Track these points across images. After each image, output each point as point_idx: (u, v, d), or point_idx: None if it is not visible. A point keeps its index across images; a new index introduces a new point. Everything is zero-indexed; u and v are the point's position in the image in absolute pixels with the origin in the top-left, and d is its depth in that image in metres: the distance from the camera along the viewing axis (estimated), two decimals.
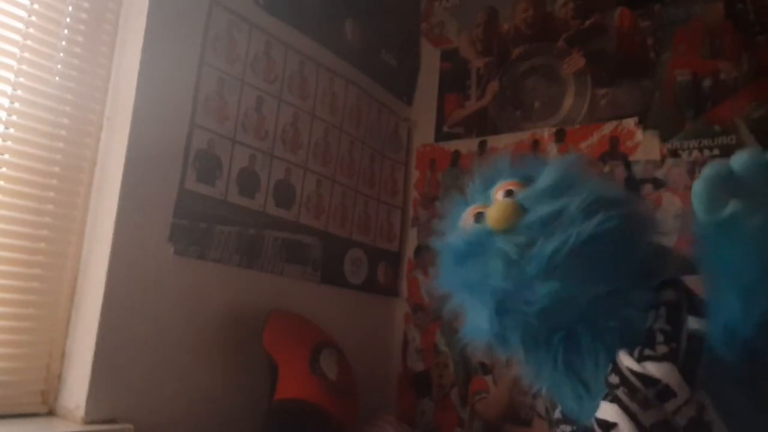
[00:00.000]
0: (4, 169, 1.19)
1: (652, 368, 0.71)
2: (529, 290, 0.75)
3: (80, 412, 1.17)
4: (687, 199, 1.54)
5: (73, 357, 1.22)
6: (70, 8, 1.29)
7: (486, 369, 1.81)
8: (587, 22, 1.84)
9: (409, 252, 2.07)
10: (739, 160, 0.64)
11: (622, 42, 1.76)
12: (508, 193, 0.84)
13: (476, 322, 0.82)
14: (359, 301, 1.88)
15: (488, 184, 0.90)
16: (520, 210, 0.79)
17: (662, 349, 0.72)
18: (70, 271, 1.26)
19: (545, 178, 0.84)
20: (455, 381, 1.86)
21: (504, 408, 1.74)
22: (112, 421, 1.19)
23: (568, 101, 1.82)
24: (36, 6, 1.23)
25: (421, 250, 2.04)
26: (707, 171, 0.65)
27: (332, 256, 1.78)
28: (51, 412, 1.21)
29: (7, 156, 1.19)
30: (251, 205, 1.53)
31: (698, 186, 0.66)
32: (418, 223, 2.07)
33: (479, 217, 0.84)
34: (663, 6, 1.71)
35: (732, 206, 0.65)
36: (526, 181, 0.86)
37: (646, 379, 0.71)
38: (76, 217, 1.27)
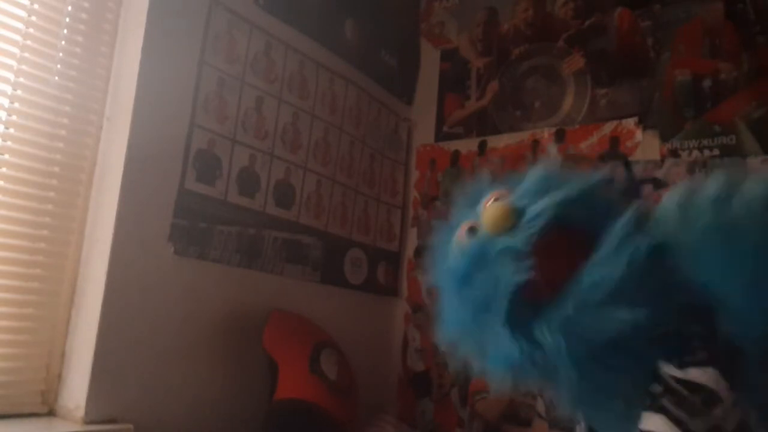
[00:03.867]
0: (4, 169, 1.19)
1: (696, 373, 0.69)
2: (591, 317, 0.71)
3: (80, 412, 1.17)
4: None
5: (73, 357, 1.22)
6: (70, 8, 1.29)
7: None
8: (587, 22, 1.84)
9: (409, 252, 2.07)
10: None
11: (622, 42, 1.76)
12: (497, 199, 0.83)
13: (499, 349, 0.78)
14: (359, 301, 1.88)
15: (473, 203, 0.87)
16: (515, 209, 0.78)
17: (701, 354, 0.70)
18: (70, 271, 1.25)
19: (531, 177, 0.83)
20: (455, 381, 1.86)
21: (504, 408, 1.74)
22: (112, 421, 1.19)
23: (568, 101, 1.82)
24: (36, 6, 1.23)
25: (421, 250, 2.04)
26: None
27: (332, 256, 1.78)
28: (51, 412, 1.21)
29: (7, 156, 1.19)
30: (251, 205, 1.53)
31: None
32: (418, 223, 2.07)
33: (473, 230, 0.82)
34: (663, 6, 1.71)
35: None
36: (512, 188, 0.84)
37: (691, 386, 0.69)
38: (76, 217, 1.27)
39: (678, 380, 0.70)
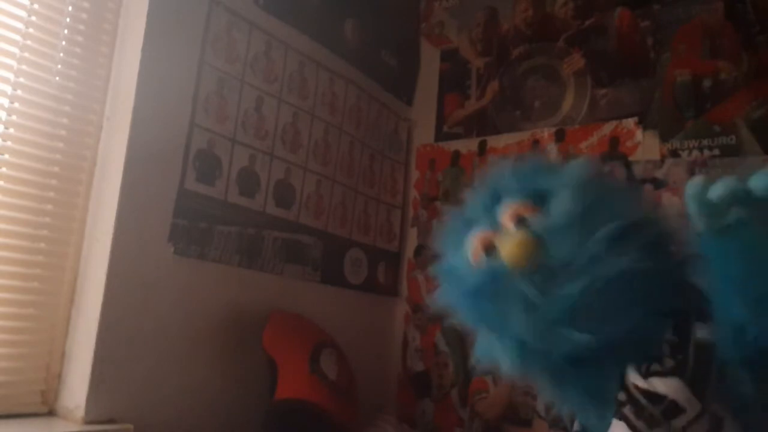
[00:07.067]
0: (4, 169, 1.19)
1: (658, 384, 0.69)
2: (552, 334, 0.70)
3: (80, 412, 1.17)
4: None
5: (73, 357, 1.22)
6: (70, 8, 1.29)
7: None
8: (587, 22, 1.84)
9: (409, 252, 2.07)
10: (760, 182, 0.63)
11: (622, 42, 1.76)
12: (520, 221, 0.76)
13: (490, 349, 0.78)
14: (359, 301, 1.88)
15: (492, 199, 0.81)
16: (540, 246, 0.72)
17: (669, 362, 0.70)
18: (70, 271, 1.25)
19: (563, 204, 0.74)
20: (455, 381, 1.86)
21: (504, 408, 1.74)
22: (112, 421, 1.19)
23: (568, 101, 1.82)
24: (36, 6, 1.23)
25: (421, 250, 2.04)
26: (720, 187, 0.63)
27: (332, 256, 1.78)
28: (51, 412, 1.21)
29: (7, 156, 1.19)
30: (251, 205, 1.53)
31: (704, 194, 0.64)
32: (418, 223, 2.07)
33: (491, 249, 0.76)
34: (663, 6, 1.71)
35: (735, 214, 0.64)
36: (538, 200, 0.77)
37: (651, 396, 0.69)
38: (76, 217, 1.27)
39: (640, 390, 0.70)
